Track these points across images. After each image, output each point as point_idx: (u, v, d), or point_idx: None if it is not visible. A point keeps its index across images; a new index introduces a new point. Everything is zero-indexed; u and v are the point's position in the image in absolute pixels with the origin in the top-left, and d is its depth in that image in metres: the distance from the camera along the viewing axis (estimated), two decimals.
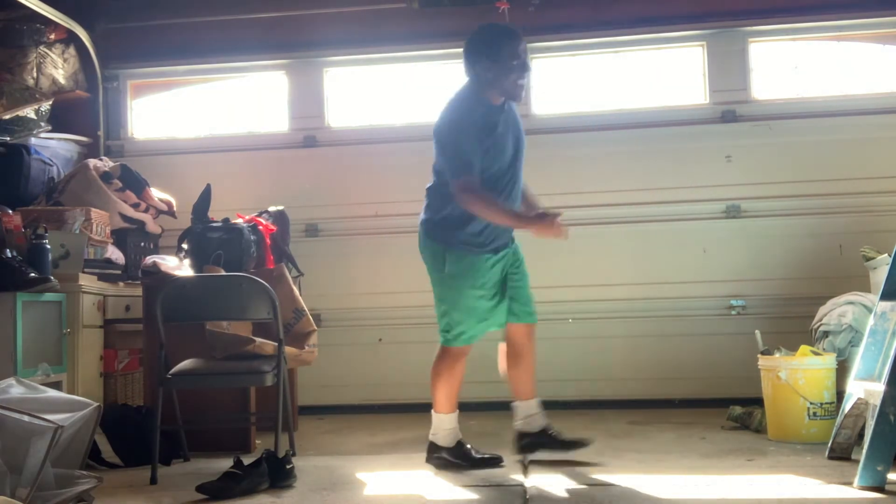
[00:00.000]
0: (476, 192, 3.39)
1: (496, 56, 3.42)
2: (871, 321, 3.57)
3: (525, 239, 3.70)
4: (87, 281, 4.57)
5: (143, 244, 5.23)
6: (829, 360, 4.00)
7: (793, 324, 4.80)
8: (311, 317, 4.33)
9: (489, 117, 3.45)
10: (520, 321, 3.65)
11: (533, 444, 3.66)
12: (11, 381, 3.05)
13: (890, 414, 3.03)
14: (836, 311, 4.26)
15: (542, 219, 3.45)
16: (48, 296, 4.23)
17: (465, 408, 5.13)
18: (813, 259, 5.17)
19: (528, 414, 3.69)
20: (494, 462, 3.58)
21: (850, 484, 3.06)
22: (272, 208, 4.88)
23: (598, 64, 5.61)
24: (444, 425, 3.63)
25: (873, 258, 4.46)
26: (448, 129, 3.49)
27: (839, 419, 3.55)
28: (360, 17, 5.61)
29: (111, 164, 5.29)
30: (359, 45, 5.65)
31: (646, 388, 5.22)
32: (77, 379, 4.39)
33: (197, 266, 4.22)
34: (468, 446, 3.63)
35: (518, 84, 3.47)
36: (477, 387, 5.23)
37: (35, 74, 5.43)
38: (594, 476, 3.35)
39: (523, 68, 3.46)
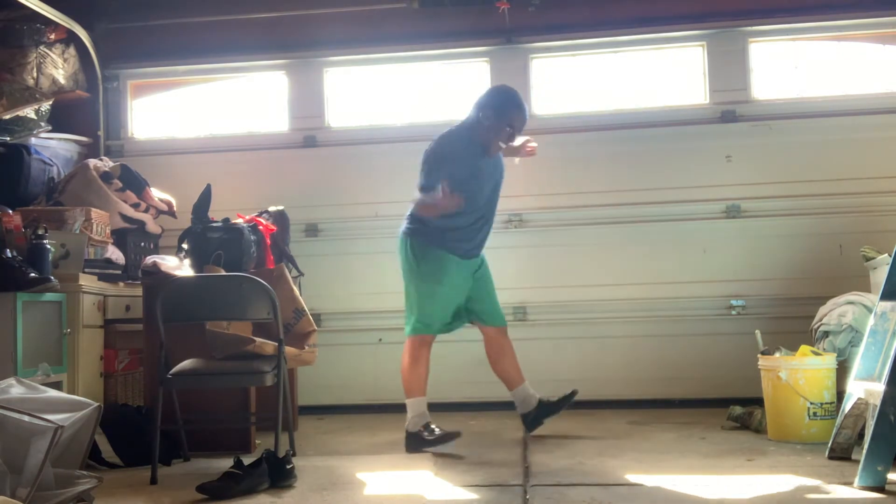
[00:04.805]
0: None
1: (500, 115, 3.97)
2: (871, 321, 3.57)
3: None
4: (87, 281, 4.56)
5: (143, 244, 5.23)
6: (829, 360, 4.00)
7: (793, 324, 4.80)
8: (311, 317, 4.33)
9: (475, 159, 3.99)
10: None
11: (537, 417, 4.16)
12: (11, 381, 3.05)
13: (890, 414, 3.03)
14: (836, 311, 4.26)
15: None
16: (48, 296, 4.22)
17: (466, 408, 5.16)
18: (813, 259, 5.17)
19: (522, 397, 4.19)
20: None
21: (850, 484, 3.06)
22: (272, 208, 4.88)
23: (598, 64, 5.61)
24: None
25: (873, 258, 4.46)
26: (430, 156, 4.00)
27: (839, 419, 3.55)
28: (360, 17, 5.61)
29: (111, 164, 5.29)
30: (359, 45, 5.65)
31: (646, 388, 5.22)
32: (77, 379, 4.38)
33: (197, 266, 4.22)
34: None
35: (498, 143, 4.02)
36: (477, 387, 5.25)
37: (35, 74, 5.42)
38: (594, 476, 3.35)
39: (510, 137, 4.03)
